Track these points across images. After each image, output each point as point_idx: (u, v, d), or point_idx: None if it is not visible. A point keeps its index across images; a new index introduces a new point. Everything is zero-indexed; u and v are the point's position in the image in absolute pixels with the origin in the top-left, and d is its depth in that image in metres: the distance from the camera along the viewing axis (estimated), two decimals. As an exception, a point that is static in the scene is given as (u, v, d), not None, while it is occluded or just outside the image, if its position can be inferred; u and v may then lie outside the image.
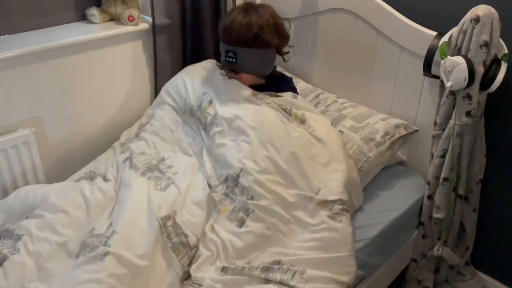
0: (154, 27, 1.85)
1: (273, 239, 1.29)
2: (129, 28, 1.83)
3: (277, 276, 1.21)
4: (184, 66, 2.00)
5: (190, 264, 1.27)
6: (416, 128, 1.65)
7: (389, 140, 1.58)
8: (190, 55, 2.00)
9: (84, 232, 1.30)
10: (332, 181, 1.33)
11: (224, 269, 1.24)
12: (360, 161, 1.52)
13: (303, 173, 1.33)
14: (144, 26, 1.87)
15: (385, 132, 1.59)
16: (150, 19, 1.94)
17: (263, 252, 1.27)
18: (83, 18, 1.87)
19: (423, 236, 1.69)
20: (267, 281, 1.21)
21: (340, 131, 1.60)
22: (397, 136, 1.60)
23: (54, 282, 1.17)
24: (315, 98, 1.81)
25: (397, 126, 1.62)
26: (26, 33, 1.72)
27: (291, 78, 1.67)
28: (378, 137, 1.57)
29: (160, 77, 1.96)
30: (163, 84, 1.87)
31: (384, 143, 1.57)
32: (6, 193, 1.62)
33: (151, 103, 2.07)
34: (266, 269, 1.22)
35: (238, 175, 1.33)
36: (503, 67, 1.37)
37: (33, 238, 1.26)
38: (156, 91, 1.98)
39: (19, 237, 1.27)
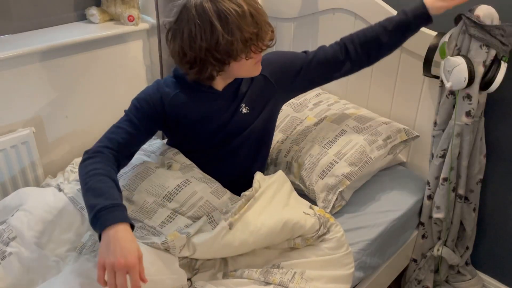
0: (159, 26, 1.85)
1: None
2: (129, 28, 1.83)
3: (277, 278, 1.21)
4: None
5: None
6: (417, 134, 1.64)
7: (391, 143, 1.58)
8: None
9: (79, 231, 1.29)
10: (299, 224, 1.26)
11: (224, 275, 1.24)
12: (361, 160, 1.52)
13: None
14: (144, 26, 1.88)
15: (387, 135, 1.58)
16: (149, 19, 1.95)
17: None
18: (83, 18, 1.88)
19: (423, 236, 1.69)
20: (267, 283, 1.21)
21: (342, 130, 1.59)
22: (398, 140, 1.59)
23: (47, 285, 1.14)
24: (316, 97, 1.80)
25: (398, 131, 1.61)
26: (26, 33, 1.73)
27: None
28: (380, 140, 1.56)
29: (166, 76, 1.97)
30: None
31: (385, 146, 1.56)
32: (6, 193, 1.62)
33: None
34: (266, 271, 1.23)
35: None
36: (503, 67, 1.37)
37: (26, 241, 1.23)
38: None
39: (9, 240, 1.23)
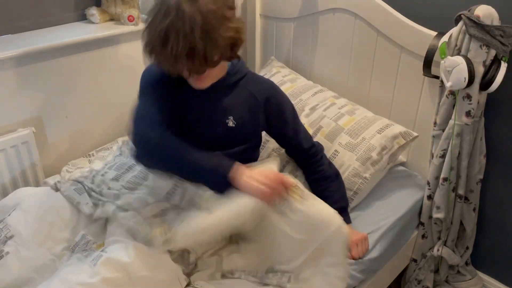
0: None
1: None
2: (129, 28, 1.83)
3: (274, 281, 1.22)
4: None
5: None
6: (416, 134, 1.62)
7: (387, 154, 1.56)
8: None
9: (75, 230, 1.29)
10: None
11: (223, 276, 1.25)
12: (356, 183, 1.52)
13: None
14: (144, 26, 1.87)
15: (381, 147, 1.56)
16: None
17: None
18: (83, 18, 1.88)
19: (423, 236, 1.69)
20: (265, 284, 1.21)
21: (335, 150, 1.58)
22: (395, 147, 1.57)
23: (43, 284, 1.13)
24: (312, 96, 1.78)
25: (394, 137, 1.58)
26: (26, 33, 1.73)
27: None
28: (374, 155, 1.54)
29: None
30: None
31: (381, 159, 1.55)
32: (6, 193, 1.62)
33: (151, 103, 2.07)
34: (261, 277, 1.24)
35: None
36: (503, 67, 1.37)
37: (23, 240, 1.23)
38: None
39: (7, 239, 1.23)
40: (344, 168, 1.54)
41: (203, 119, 1.32)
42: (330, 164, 1.49)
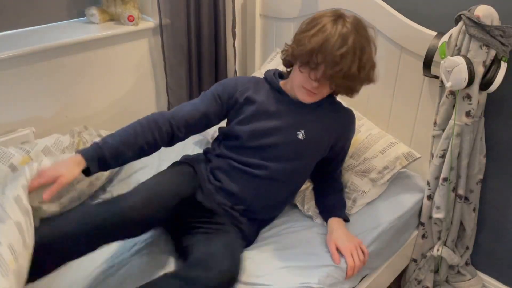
0: (161, 26, 1.85)
1: None
2: (129, 28, 1.83)
3: None
4: (189, 66, 1.99)
5: None
6: (419, 155, 1.61)
7: (389, 174, 1.57)
8: (196, 55, 2.00)
9: None
10: None
11: None
12: (352, 194, 1.55)
13: None
14: (144, 26, 1.88)
15: (383, 167, 1.58)
16: (149, 19, 1.95)
17: None
18: (83, 18, 1.88)
19: (423, 236, 1.69)
20: None
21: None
22: (398, 168, 1.58)
23: None
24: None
25: (397, 158, 1.59)
26: (26, 33, 1.73)
27: None
28: (374, 174, 1.57)
29: (169, 77, 1.97)
30: (171, 85, 1.85)
31: (382, 178, 1.57)
32: (6, 193, 1.62)
33: (155, 103, 2.08)
34: None
35: None
36: (503, 67, 1.37)
37: None
38: (167, 91, 1.99)
39: None
40: (343, 184, 1.58)
41: (281, 126, 1.36)
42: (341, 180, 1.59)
